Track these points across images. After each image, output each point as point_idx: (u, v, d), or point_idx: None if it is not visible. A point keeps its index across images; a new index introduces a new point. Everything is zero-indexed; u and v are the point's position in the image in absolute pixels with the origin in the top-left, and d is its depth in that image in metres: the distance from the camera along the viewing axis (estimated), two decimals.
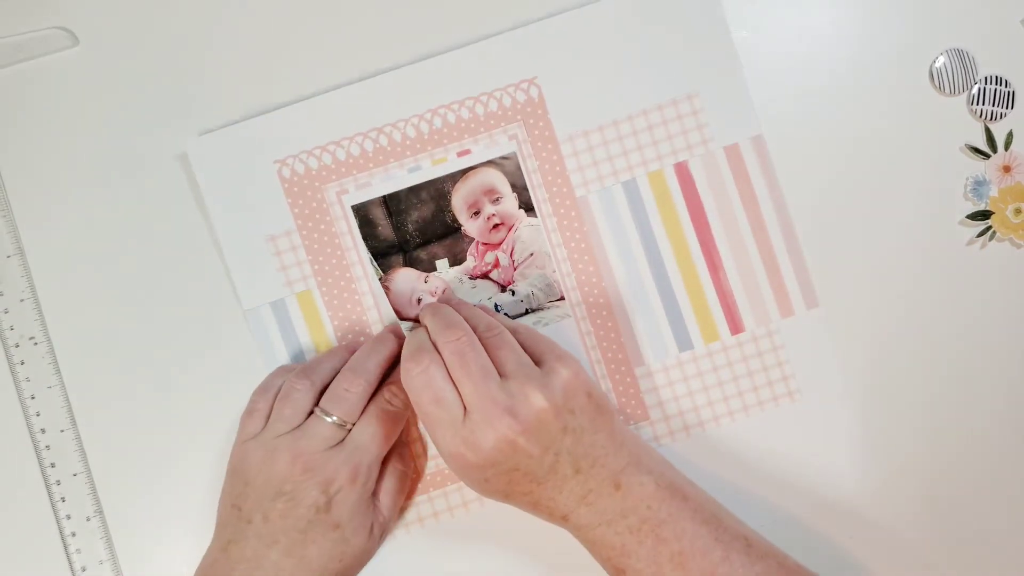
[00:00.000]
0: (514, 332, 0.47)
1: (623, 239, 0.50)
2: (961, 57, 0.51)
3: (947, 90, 0.51)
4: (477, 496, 0.50)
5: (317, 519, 0.45)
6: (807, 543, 0.50)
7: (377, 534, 0.47)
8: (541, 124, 0.50)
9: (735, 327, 0.50)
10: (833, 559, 0.50)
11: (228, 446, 0.50)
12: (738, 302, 0.50)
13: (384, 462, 0.48)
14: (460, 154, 0.50)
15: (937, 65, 0.51)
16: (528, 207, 0.50)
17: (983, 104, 0.51)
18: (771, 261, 0.50)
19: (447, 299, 0.50)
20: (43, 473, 0.50)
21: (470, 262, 0.50)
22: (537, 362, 0.45)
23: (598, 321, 0.50)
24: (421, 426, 0.51)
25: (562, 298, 0.50)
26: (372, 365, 0.47)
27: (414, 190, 0.50)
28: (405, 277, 0.49)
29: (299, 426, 0.46)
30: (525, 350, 0.45)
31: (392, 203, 0.50)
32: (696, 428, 0.50)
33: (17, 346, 0.50)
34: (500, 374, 0.44)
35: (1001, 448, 0.50)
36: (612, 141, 0.50)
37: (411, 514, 0.51)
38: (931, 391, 0.51)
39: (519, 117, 0.50)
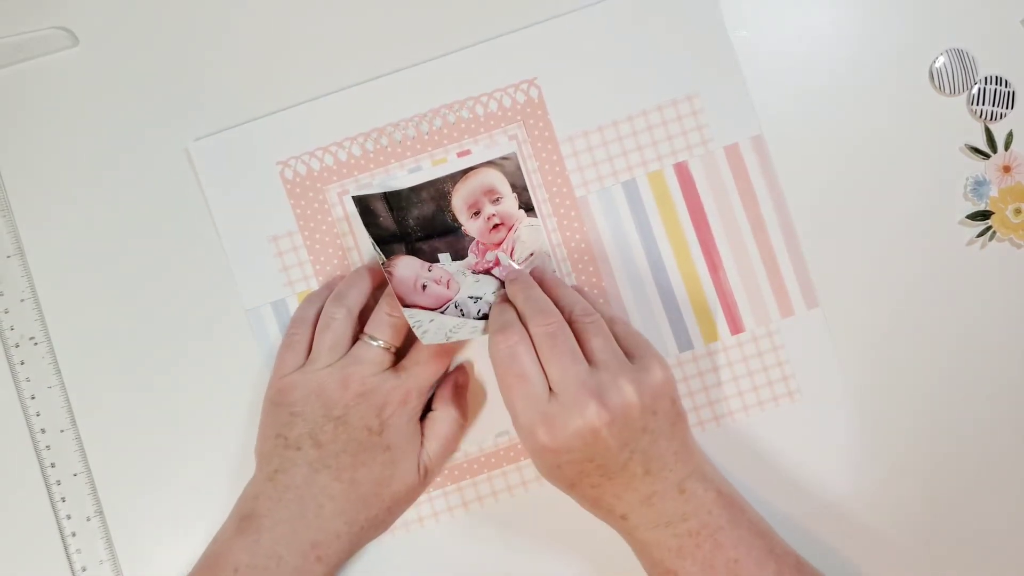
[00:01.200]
0: (610, 322, 0.46)
1: (623, 239, 0.50)
2: (961, 57, 0.51)
3: (947, 90, 0.51)
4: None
5: (369, 441, 0.45)
6: (807, 543, 0.50)
7: (422, 473, 0.47)
8: (541, 124, 0.50)
9: (735, 327, 0.50)
10: (833, 559, 0.50)
11: (230, 446, 0.50)
12: (738, 302, 0.50)
13: (436, 408, 0.48)
14: (460, 154, 0.50)
15: (937, 65, 0.51)
16: (528, 207, 0.50)
17: (983, 104, 0.51)
18: (771, 261, 0.50)
19: (541, 274, 0.48)
20: (43, 473, 0.50)
21: (471, 258, 0.50)
22: (629, 356, 0.44)
23: None
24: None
25: None
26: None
27: (415, 190, 0.50)
28: (408, 263, 0.49)
29: (345, 354, 0.46)
30: (618, 342, 0.45)
31: (393, 200, 0.50)
32: (696, 427, 0.50)
33: (17, 346, 0.50)
34: (589, 362, 0.43)
35: (1001, 448, 0.50)
36: (612, 141, 0.50)
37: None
38: (931, 391, 0.51)
39: (519, 117, 0.50)
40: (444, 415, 0.48)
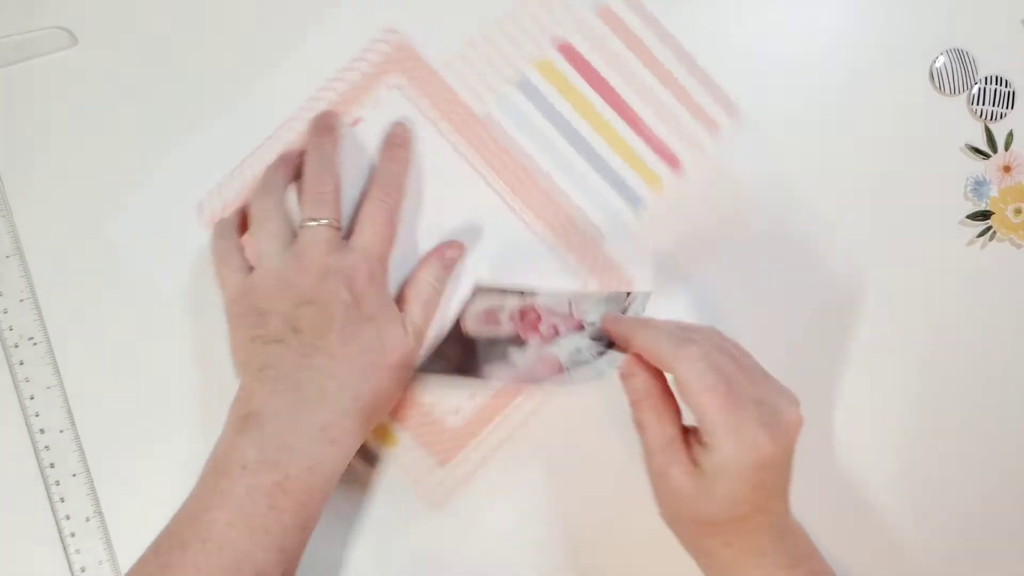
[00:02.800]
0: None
1: (540, 137, 0.51)
2: (961, 57, 0.51)
3: (947, 90, 0.51)
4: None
5: (349, 315, 0.44)
6: None
7: (412, 333, 0.46)
8: (415, 65, 0.51)
9: (672, 162, 0.51)
10: (833, 560, 0.50)
11: None
12: (665, 139, 0.51)
13: (416, 271, 0.48)
14: (353, 123, 0.50)
15: (937, 65, 0.51)
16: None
17: (983, 104, 0.51)
18: (678, 89, 0.51)
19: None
20: (42, 473, 0.50)
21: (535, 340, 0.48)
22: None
23: (555, 226, 0.51)
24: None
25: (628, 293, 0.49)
26: (335, 165, 0.47)
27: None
28: (483, 298, 0.48)
29: (292, 244, 0.45)
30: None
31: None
32: None
33: (16, 346, 0.50)
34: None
35: (1001, 448, 0.50)
36: (488, 49, 0.51)
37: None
38: (930, 391, 0.51)
39: (394, 69, 0.51)
40: (422, 277, 0.48)
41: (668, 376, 0.42)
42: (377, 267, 0.46)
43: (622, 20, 0.51)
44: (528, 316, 0.48)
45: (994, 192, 0.51)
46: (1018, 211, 0.51)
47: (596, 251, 0.51)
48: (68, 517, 0.50)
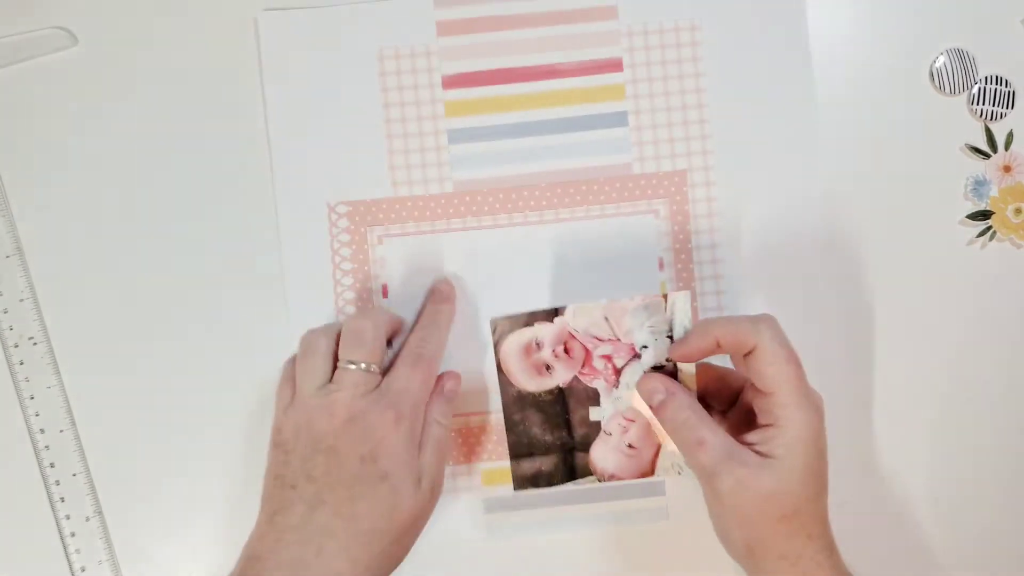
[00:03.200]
0: None
1: (507, 154, 0.51)
2: (961, 57, 0.51)
3: (947, 90, 0.51)
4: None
5: (363, 471, 0.43)
6: None
7: (427, 487, 0.44)
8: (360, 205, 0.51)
9: (614, 66, 0.50)
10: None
11: (230, 446, 0.50)
12: (588, 59, 0.50)
13: (424, 424, 0.46)
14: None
15: (937, 65, 0.51)
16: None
17: (983, 104, 0.51)
18: (563, 15, 0.50)
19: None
20: (42, 473, 0.50)
21: (599, 381, 0.47)
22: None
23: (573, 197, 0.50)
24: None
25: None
26: (383, 313, 0.47)
27: None
28: (515, 341, 0.46)
29: (328, 382, 0.44)
30: None
31: None
32: None
33: (16, 346, 0.50)
34: None
35: (1001, 447, 0.50)
36: (406, 143, 0.50)
37: None
38: (930, 391, 0.51)
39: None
40: (428, 418, 0.46)
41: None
42: (407, 412, 0.44)
43: (463, 16, 0.50)
44: (573, 350, 0.46)
45: (994, 192, 0.51)
46: (1018, 211, 0.51)
47: (623, 181, 0.51)
48: (68, 517, 0.50)
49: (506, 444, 0.47)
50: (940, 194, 0.51)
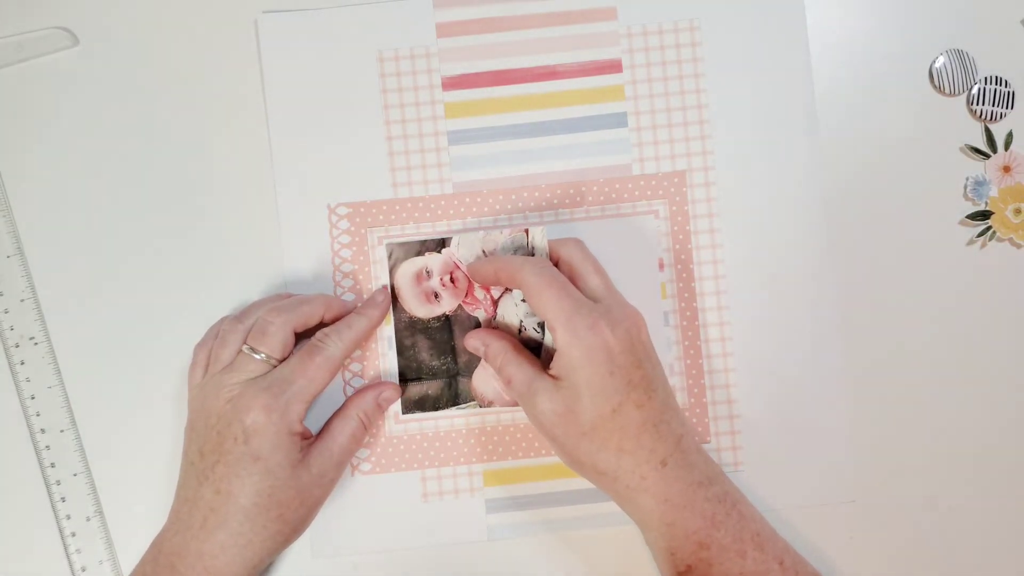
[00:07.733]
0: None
1: (507, 155, 0.51)
2: (961, 57, 0.51)
3: (947, 90, 0.51)
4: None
5: (237, 450, 0.44)
6: (806, 543, 0.50)
7: (316, 472, 0.46)
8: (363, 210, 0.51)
9: (613, 67, 0.51)
10: (832, 560, 0.50)
11: None
12: (588, 60, 0.51)
13: (340, 412, 0.48)
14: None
15: (937, 65, 0.51)
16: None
17: (983, 104, 0.51)
18: (562, 16, 0.51)
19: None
20: (43, 473, 0.50)
21: (480, 312, 0.49)
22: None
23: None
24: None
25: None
26: (300, 309, 0.47)
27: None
28: (406, 271, 0.49)
29: (230, 364, 0.46)
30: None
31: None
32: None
33: (17, 346, 0.50)
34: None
35: (1001, 448, 0.50)
36: (407, 144, 0.51)
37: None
38: (931, 391, 0.51)
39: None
40: (351, 412, 0.48)
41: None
42: (281, 401, 0.45)
43: (462, 18, 0.50)
44: (458, 280, 0.49)
45: (994, 192, 0.51)
46: (1018, 211, 0.51)
47: (623, 182, 0.51)
48: (68, 517, 0.50)
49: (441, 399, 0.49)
50: (940, 194, 0.51)
